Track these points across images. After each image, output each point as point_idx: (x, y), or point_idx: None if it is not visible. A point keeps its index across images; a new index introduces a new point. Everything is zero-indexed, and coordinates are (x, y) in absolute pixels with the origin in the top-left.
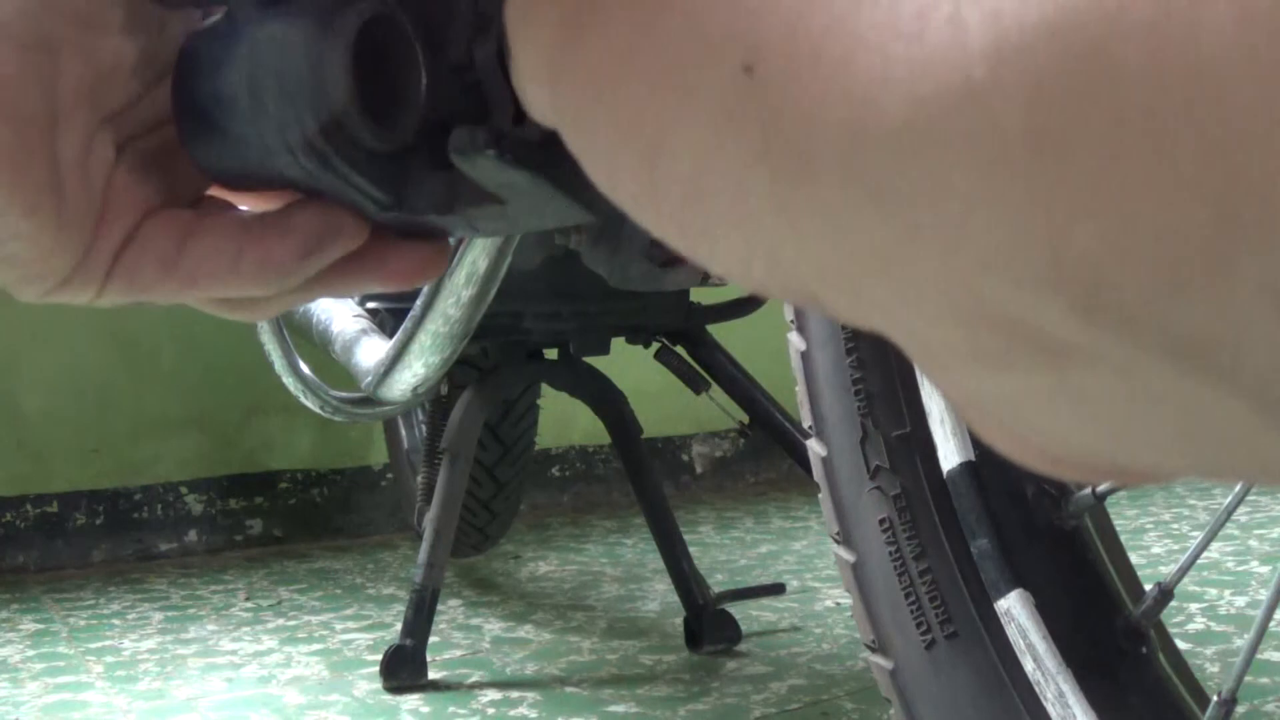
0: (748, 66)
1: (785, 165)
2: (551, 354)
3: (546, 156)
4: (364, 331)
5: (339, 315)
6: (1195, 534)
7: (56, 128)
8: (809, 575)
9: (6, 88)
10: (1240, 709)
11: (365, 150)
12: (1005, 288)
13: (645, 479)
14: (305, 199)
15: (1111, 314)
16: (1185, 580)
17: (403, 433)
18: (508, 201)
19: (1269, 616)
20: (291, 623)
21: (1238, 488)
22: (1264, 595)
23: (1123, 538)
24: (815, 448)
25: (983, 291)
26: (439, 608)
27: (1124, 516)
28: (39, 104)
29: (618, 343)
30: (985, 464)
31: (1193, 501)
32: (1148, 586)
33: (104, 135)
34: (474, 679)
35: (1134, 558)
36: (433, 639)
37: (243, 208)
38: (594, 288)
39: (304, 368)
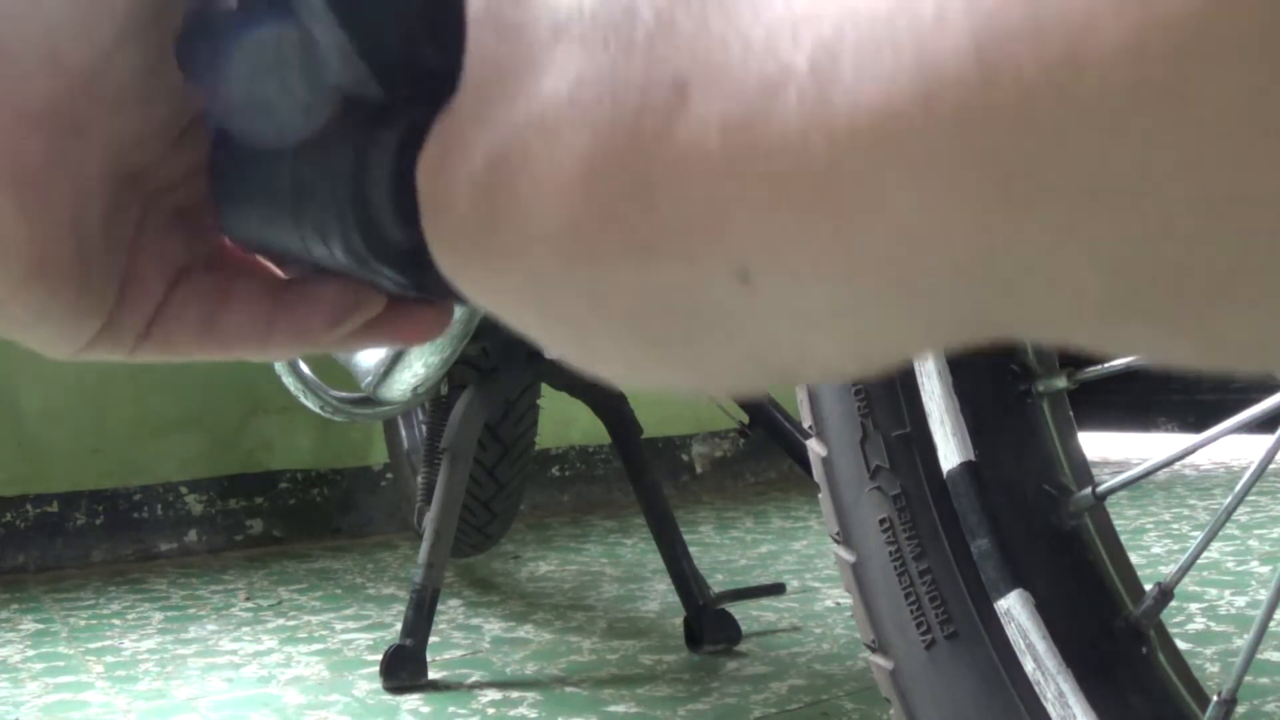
0: (743, 274)
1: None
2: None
3: None
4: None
5: None
6: (1195, 534)
7: (83, 205)
8: (809, 575)
9: (33, 182)
10: (1240, 709)
11: (395, 246)
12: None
13: (645, 479)
14: (330, 273)
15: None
16: (1185, 580)
17: (403, 433)
18: None
19: (1269, 616)
20: (291, 623)
21: (1238, 487)
22: (1264, 595)
23: (1123, 538)
24: (815, 448)
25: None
26: (439, 608)
27: (1124, 516)
28: (66, 189)
29: None
30: (985, 464)
31: (1193, 501)
32: (1148, 586)
33: (127, 195)
34: (474, 679)
35: (1134, 558)
36: (433, 639)
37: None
38: None
39: (304, 368)
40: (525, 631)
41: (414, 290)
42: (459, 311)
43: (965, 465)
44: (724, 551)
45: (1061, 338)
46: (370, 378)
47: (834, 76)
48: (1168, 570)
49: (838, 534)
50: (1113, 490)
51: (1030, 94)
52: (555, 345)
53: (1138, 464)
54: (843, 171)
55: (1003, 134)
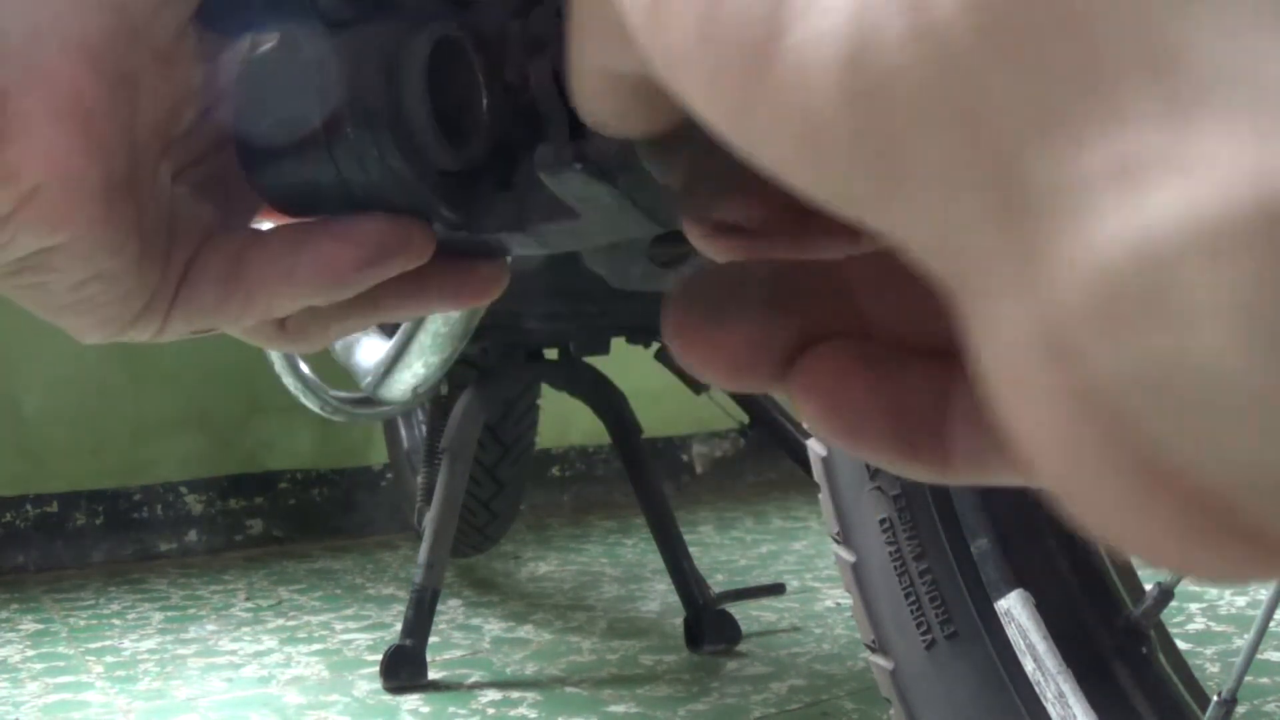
0: None
1: None
2: (551, 354)
3: (628, 169)
4: (363, 331)
5: None
6: None
7: (135, 158)
8: (809, 575)
9: (95, 122)
10: (1240, 709)
11: (439, 171)
12: None
13: (645, 479)
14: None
15: None
16: (1185, 580)
17: (403, 433)
18: (582, 216)
19: (1269, 616)
20: (291, 623)
21: None
22: (1264, 595)
23: None
24: (815, 448)
25: None
26: (439, 608)
27: None
28: (122, 139)
29: (618, 343)
30: None
31: None
32: (1148, 586)
33: (165, 161)
34: (474, 679)
35: (1134, 557)
36: (433, 639)
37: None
38: (594, 288)
39: (304, 368)
40: (525, 631)
41: (465, 229)
42: (459, 311)
43: None
44: (724, 551)
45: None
46: (370, 378)
47: None
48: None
49: (838, 534)
50: None
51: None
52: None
53: None
54: None
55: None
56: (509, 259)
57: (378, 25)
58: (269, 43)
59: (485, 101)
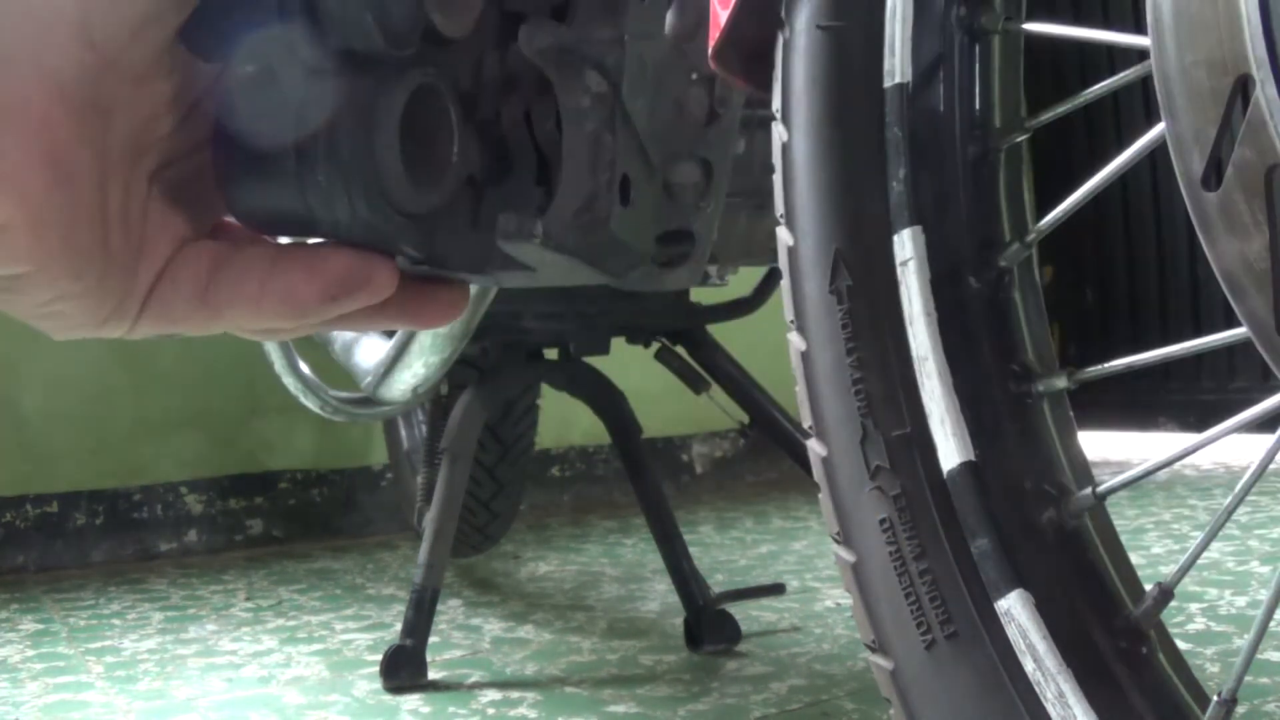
0: None
1: None
2: (551, 354)
3: (585, 238)
4: (364, 331)
5: None
6: (1195, 534)
7: (105, 183)
8: (809, 575)
9: (65, 154)
10: (1240, 709)
11: (405, 213)
12: None
13: (645, 479)
14: (339, 243)
15: None
16: (1185, 580)
17: (403, 433)
18: (538, 270)
19: (1269, 616)
20: (291, 623)
21: (1238, 487)
22: (1264, 595)
23: (1123, 538)
24: (815, 448)
25: None
26: (439, 608)
27: (1124, 516)
28: (92, 165)
29: (618, 343)
30: (985, 464)
31: (1193, 501)
32: (1148, 586)
33: (139, 171)
34: (474, 679)
35: (1134, 558)
36: (433, 639)
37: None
38: (594, 288)
39: (304, 368)
40: (525, 631)
41: (427, 264)
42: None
43: (965, 465)
44: (724, 551)
45: None
46: (370, 378)
47: None
48: (1168, 570)
49: (838, 534)
50: (1113, 490)
51: None
52: None
53: (1138, 464)
54: None
55: None
56: (471, 286)
57: (358, 74)
58: (251, 64)
59: (456, 144)
